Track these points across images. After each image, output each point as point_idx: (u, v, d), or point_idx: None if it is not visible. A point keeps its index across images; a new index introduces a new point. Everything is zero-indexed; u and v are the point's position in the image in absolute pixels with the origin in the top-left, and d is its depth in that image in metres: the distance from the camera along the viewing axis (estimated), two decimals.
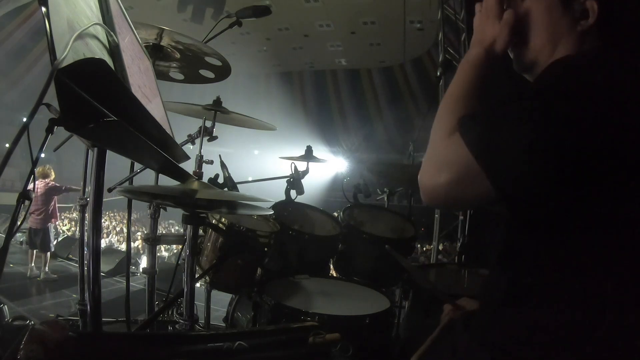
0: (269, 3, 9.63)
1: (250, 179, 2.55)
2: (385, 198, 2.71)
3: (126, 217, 2.03)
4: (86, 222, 1.92)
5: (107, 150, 0.96)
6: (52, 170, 5.48)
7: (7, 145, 0.67)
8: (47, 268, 5.28)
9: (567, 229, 0.71)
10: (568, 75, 0.70)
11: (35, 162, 0.67)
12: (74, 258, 6.23)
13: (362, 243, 2.11)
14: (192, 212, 1.27)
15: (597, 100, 0.65)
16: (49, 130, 0.69)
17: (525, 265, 0.76)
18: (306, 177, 2.34)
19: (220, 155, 1.97)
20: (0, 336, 1.95)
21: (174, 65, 1.99)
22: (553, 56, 0.83)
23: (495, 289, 0.84)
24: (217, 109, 1.98)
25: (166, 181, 1.33)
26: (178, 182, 1.19)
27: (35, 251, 5.25)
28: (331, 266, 2.25)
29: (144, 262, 6.42)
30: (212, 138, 2.05)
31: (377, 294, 1.79)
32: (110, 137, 0.80)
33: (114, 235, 11.13)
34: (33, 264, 5.29)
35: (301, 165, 2.36)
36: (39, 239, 5.20)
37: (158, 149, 0.88)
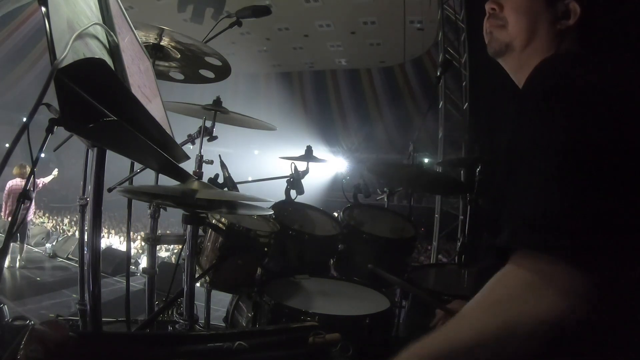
0: (269, 3, 9.63)
1: (250, 179, 2.55)
2: (385, 198, 2.71)
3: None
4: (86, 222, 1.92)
5: (107, 150, 0.96)
6: (27, 167, 5.74)
7: (7, 145, 0.67)
8: (21, 257, 5.65)
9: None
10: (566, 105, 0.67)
11: (35, 162, 0.67)
12: (74, 258, 6.24)
13: (362, 243, 2.10)
14: (192, 212, 1.27)
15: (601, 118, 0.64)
16: (49, 130, 0.69)
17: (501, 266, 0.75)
18: (306, 177, 2.34)
19: (220, 155, 1.97)
20: (0, 336, 1.95)
21: (174, 65, 1.99)
22: (528, 47, 0.84)
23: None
24: (217, 109, 1.98)
25: (166, 181, 1.33)
26: (178, 182, 1.19)
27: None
28: (331, 266, 2.25)
29: (144, 262, 6.43)
30: (212, 138, 2.05)
31: (377, 294, 1.79)
32: (110, 137, 0.80)
33: (113, 236, 11.15)
34: (19, 256, 5.62)
35: (301, 165, 2.36)
36: (19, 231, 5.39)
37: (158, 149, 0.88)
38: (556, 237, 0.60)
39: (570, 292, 0.59)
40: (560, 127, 0.65)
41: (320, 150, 3.48)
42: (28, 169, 5.65)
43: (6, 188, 5.92)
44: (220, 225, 1.72)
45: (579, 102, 0.65)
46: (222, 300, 2.57)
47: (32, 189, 0.69)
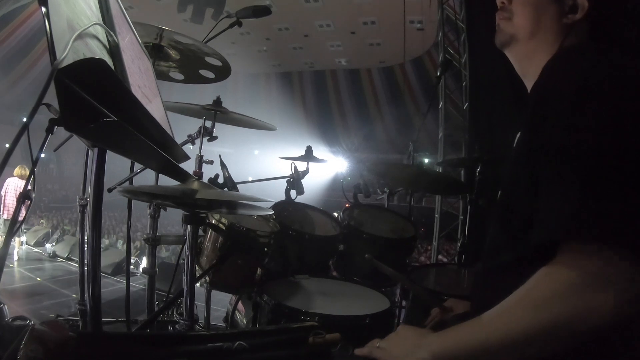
0: (269, 3, 9.64)
1: (250, 179, 2.55)
2: (385, 198, 2.71)
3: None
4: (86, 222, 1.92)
5: (107, 150, 0.96)
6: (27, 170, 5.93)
7: (7, 145, 0.67)
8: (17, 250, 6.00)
9: None
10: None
11: (35, 162, 0.67)
12: (74, 258, 6.26)
13: (362, 243, 2.10)
14: (192, 212, 1.27)
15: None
16: (49, 130, 0.69)
17: (519, 264, 0.75)
18: (306, 177, 2.34)
19: (220, 155, 1.97)
20: (0, 336, 1.95)
21: (174, 65, 1.99)
22: (532, 39, 0.86)
23: (489, 288, 0.84)
24: (217, 109, 1.98)
25: (166, 181, 1.33)
26: (178, 182, 1.19)
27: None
28: (331, 266, 2.25)
29: (144, 262, 6.44)
30: (212, 138, 2.05)
31: (377, 294, 1.79)
32: (110, 137, 0.80)
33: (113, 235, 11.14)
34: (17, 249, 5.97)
35: (301, 165, 2.36)
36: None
37: (158, 149, 0.88)
38: (611, 230, 0.60)
39: (629, 289, 0.59)
40: (601, 120, 0.64)
41: (320, 150, 3.48)
42: (26, 172, 5.83)
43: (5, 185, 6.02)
44: (220, 225, 1.72)
45: (612, 95, 0.66)
46: (222, 300, 2.56)
47: (32, 188, 0.69)
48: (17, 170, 5.95)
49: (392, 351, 0.80)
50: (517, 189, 0.78)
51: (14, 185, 5.90)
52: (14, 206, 5.99)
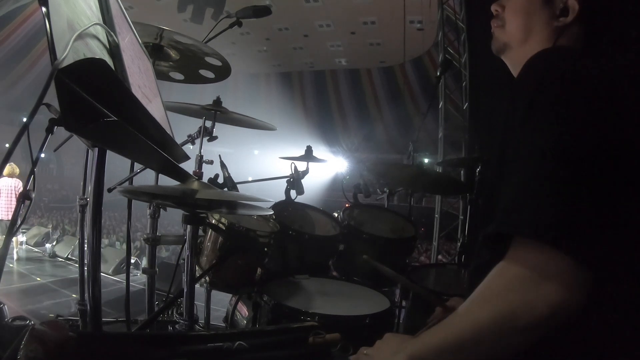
0: (269, 3, 9.64)
1: (250, 179, 2.55)
2: (385, 198, 2.71)
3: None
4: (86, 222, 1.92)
5: (107, 150, 0.96)
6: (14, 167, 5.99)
7: (7, 145, 0.67)
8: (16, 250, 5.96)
9: None
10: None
11: (35, 162, 0.67)
12: (73, 258, 6.25)
13: (362, 243, 2.10)
14: (192, 212, 1.27)
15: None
16: (49, 130, 0.69)
17: (494, 261, 0.76)
18: (306, 177, 2.34)
19: (220, 155, 1.97)
20: (0, 336, 1.95)
21: (174, 65, 1.99)
22: (524, 44, 0.87)
23: (473, 286, 0.84)
24: (217, 109, 1.98)
25: (166, 181, 1.33)
26: (178, 182, 1.19)
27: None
28: (331, 266, 2.25)
29: (144, 262, 6.45)
30: (212, 138, 2.05)
31: (377, 294, 1.78)
32: (110, 137, 0.80)
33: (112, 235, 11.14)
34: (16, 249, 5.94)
35: (301, 165, 2.36)
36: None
37: (158, 149, 0.88)
38: (557, 229, 0.60)
39: (568, 286, 0.59)
40: (552, 120, 0.65)
41: (320, 150, 3.48)
42: (16, 169, 5.78)
43: None
44: (220, 225, 1.71)
45: (569, 94, 0.66)
46: (222, 300, 2.56)
47: (32, 188, 0.69)
48: (6, 170, 5.84)
49: (375, 357, 0.82)
50: (495, 185, 0.79)
51: (7, 185, 5.77)
52: (8, 206, 5.92)
